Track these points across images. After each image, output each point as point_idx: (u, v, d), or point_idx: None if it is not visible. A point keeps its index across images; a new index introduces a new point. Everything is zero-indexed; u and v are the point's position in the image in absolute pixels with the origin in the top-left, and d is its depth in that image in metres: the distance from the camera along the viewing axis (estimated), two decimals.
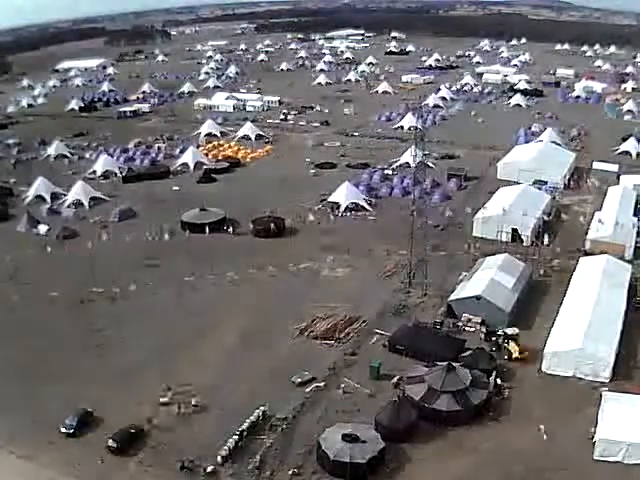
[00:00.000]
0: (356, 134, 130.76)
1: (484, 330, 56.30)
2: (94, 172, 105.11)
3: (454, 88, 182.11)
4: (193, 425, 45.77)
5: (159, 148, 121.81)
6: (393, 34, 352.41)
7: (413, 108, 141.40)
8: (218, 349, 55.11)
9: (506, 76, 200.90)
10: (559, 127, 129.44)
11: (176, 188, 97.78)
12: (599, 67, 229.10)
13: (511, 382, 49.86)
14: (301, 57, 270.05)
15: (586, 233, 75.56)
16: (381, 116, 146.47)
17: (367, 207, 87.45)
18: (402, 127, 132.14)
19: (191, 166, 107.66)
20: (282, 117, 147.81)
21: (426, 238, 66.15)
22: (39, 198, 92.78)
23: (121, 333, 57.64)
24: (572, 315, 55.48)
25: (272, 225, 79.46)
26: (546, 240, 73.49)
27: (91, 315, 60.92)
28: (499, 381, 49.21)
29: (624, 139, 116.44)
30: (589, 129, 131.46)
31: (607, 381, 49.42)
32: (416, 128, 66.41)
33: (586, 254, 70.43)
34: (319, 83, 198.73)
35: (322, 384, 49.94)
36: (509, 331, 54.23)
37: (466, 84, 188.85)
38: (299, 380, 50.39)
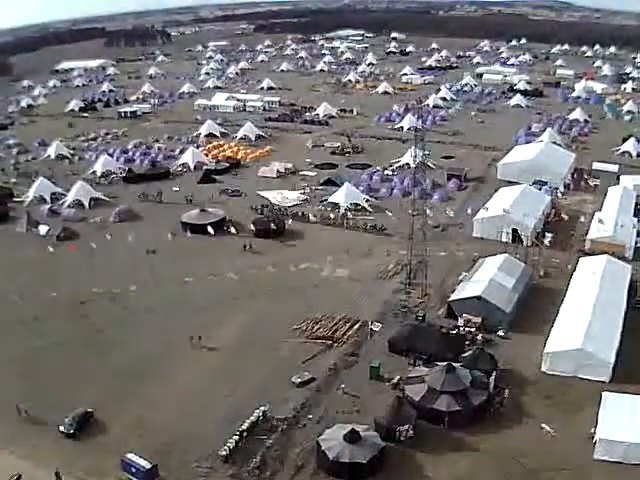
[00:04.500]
0: (356, 134, 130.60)
1: None
2: (94, 172, 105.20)
3: (454, 88, 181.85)
4: (194, 425, 45.83)
5: (159, 148, 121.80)
6: (393, 34, 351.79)
7: (413, 108, 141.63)
8: (218, 349, 55.14)
9: (506, 76, 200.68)
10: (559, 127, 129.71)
11: (176, 189, 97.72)
12: (599, 67, 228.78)
13: (511, 382, 49.81)
14: (301, 57, 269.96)
15: (586, 233, 75.62)
16: (381, 117, 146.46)
17: (367, 207, 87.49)
18: (402, 127, 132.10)
19: (191, 166, 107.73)
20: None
21: (426, 238, 66.09)
22: (39, 199, 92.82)
23: (121, 333, 57.66)
24: (572, 315, 55.48)
25: (272, 225, 79.57)
26: (547, 240, 73.40)
27: (91, 315, 60.97)
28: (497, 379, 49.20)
29: (624, 139, 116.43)
30: (589, 129, 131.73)
31: (607, 381, 49.42)
32: (416, 129, 66.27)
33: (586, 254, 70.46)
34: (319, 84, 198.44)
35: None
36: None
37: (466, 84, 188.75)
38: (299, 380, 50.43)
